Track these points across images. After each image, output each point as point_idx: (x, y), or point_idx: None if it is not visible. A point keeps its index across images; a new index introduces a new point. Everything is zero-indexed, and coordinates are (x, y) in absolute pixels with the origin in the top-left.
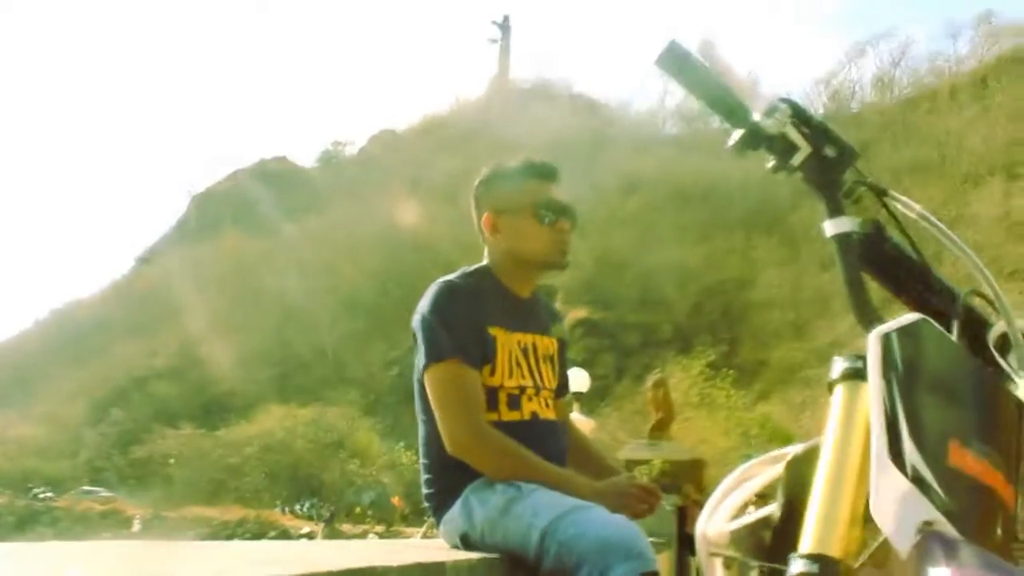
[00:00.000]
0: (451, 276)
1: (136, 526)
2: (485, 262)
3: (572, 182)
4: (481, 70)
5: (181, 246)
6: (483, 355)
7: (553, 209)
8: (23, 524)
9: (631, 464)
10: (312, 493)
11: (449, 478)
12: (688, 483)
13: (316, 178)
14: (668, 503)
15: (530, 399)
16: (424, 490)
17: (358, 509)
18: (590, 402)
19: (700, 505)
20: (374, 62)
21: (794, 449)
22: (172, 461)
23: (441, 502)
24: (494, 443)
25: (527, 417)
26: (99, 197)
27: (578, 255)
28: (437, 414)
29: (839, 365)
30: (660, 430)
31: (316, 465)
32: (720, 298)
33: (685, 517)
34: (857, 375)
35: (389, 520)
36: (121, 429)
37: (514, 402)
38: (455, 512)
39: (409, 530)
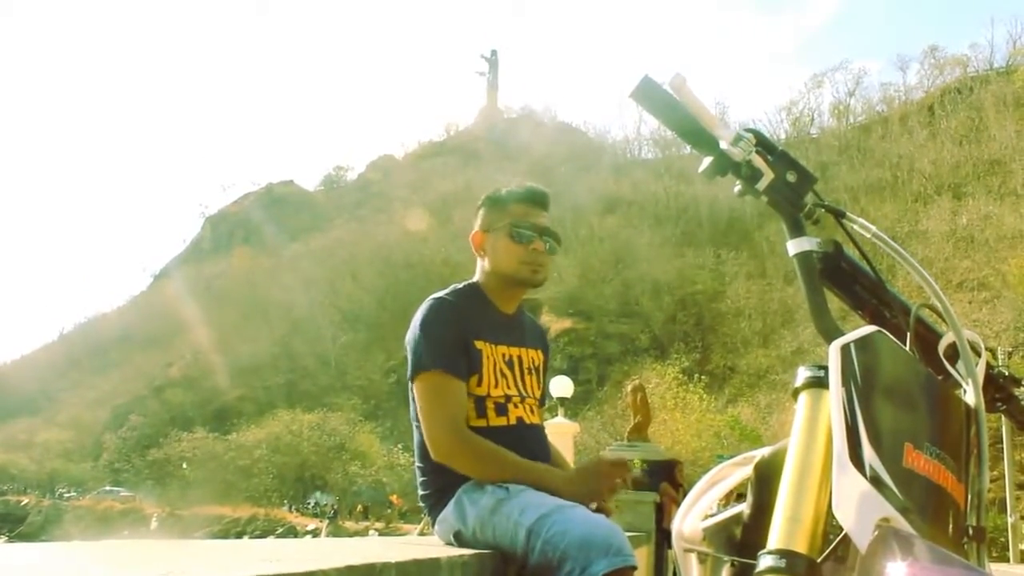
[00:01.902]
0: (441, 292)
1: (154, 523)
2: (475, 279)
3: (556, 203)
4: (472, 100)
5: (195, 264)
6: (468, 366)
7: (528, 229)
8: (49, 522)
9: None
10: (318, 491)
11: (442, 480)
12: (665, 481)
13: (320, 200)
14: (646, 499)
15: (516, 406)
16: (420, 491)
17: (359, 507)
18: (574, 406)
19: (676, 502)
20: (374, 93)
21: (762, 452)
22: (187, 463)
23: (435, 502)
24: (472, 447)
25: (513, 422)
26: (120, 219)
27: (562, 271)
28: (422, 421)
29: (803, 374)
30: (638, 432)
31: (320, 466)
32: (693, 309)
33: (662, 513)
34: (819, 383)
35: (388, 517)
36: (140, 434)
37: (501, 409)
38: (448, 512)
39: (407, 526)
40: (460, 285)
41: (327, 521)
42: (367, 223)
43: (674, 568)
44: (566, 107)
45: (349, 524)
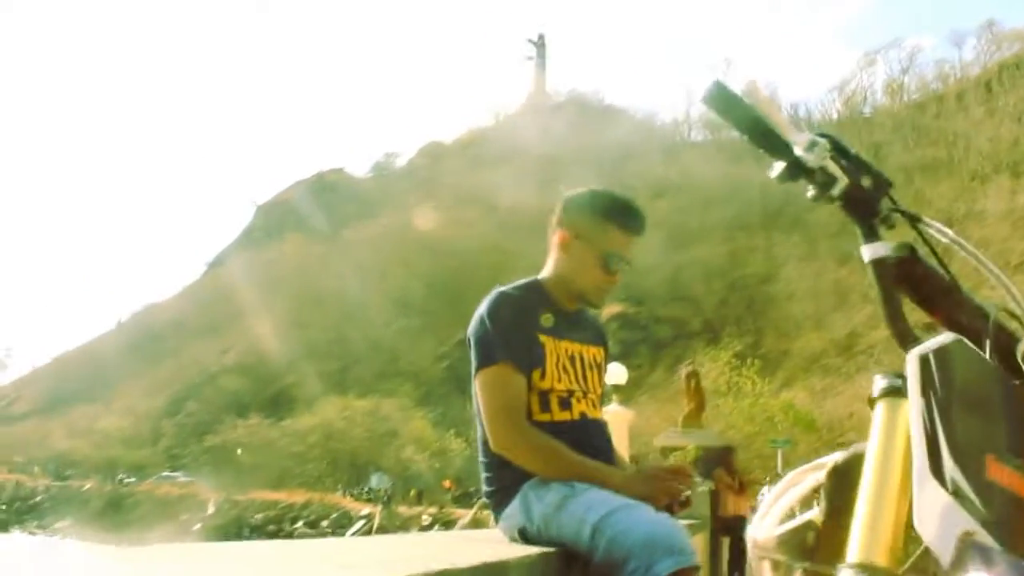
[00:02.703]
0: (506, 287)
1: (211, 508)
2: (541, 274)
3: (603, 187)
4: (519, 85)
5: (248, 252)
6: (532, 361)
7: (620, 260)
8: (110, 507)
9: (666, 451)
10: (372, 476)
11: (507, 476)
12: (720, 468)
13: (369, 187)
14: (702, 487)
15: (579, 401)
16: (484, 487)
17: (413, 492)
18: (626, 391)
19: (731, 488)
20: (422, 79)
21: (834, 457)
22: (242, 449)
23: (500, 498)
24: (532, 441)
25: (577, 417)
26: (174, 209)
27: None
28: (483, 415)
29: (880, 383)
30: (693, 419)
31: (374, 452)
32: (744, 293)
33: (717, 500)
34: (897, 392)
35: (442, 502)
36: (196, 420)
37: (565, 403)
38: (514, 508)
39: (460, 511)
40: (524, 281)
41: (381, 506)
42: (416, 209)
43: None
44: (614, 90)
45: (403, 509)
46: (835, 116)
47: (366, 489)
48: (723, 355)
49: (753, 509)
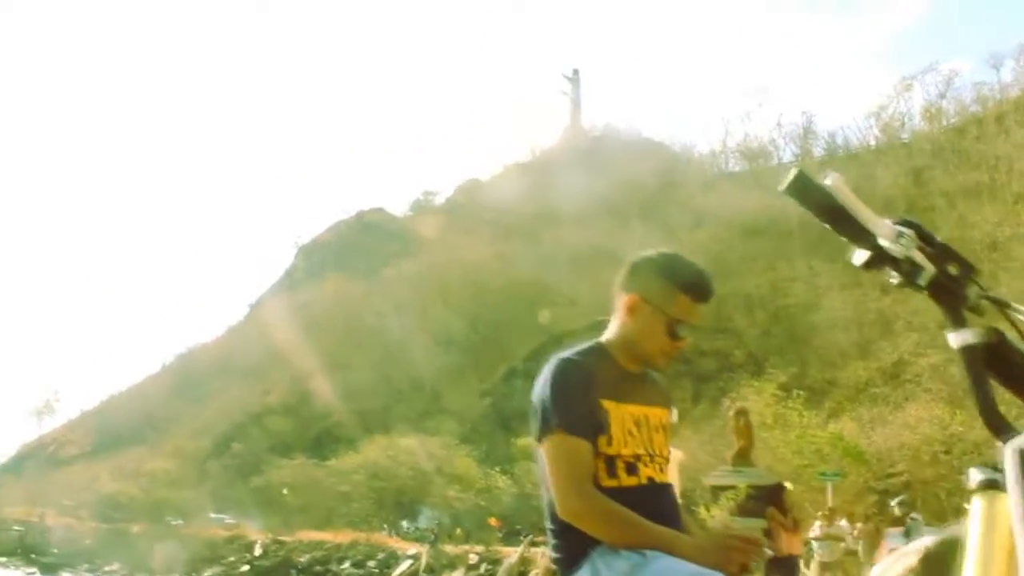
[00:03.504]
0: (567, 353)
1: (258, 549)
2: (602, 338)
3: (643, 220)
4: (555, 120)
5: (289, 293)
6: (597, 427)
7: (687, 328)
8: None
9: (717, 490)
10: (418, 515)
11: (575, 543)
12: (772, 506)
13: (409, 225)
14: (754, 525)
15: (646, 465)
16: (552, 554)
17: (459, 531)
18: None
19: (784, 527)
20: (457, 118)
21: (924, 542)
22: (287, 490)
23: (569, 565)
24: (601, 508)
25: (644, 482)
26: (215, 251)
27: None
28: (550, 482)
29: (976, 476)
30: (743, 457)
31: (418, 491)
32: (787, 323)
33: (771, 539)
34: (995, 486)
35: (487, 540)
36: (241, 461)
37: (632, 469)
38: (584, 575)
39: (507, 549)
40: (586, 345)
41: (428, 545)
42: (456, 246)
43: None
44: (650, 123)
45: (449, 548)
46: (873, 142)
47: (412, 528)
48: (768, 387)
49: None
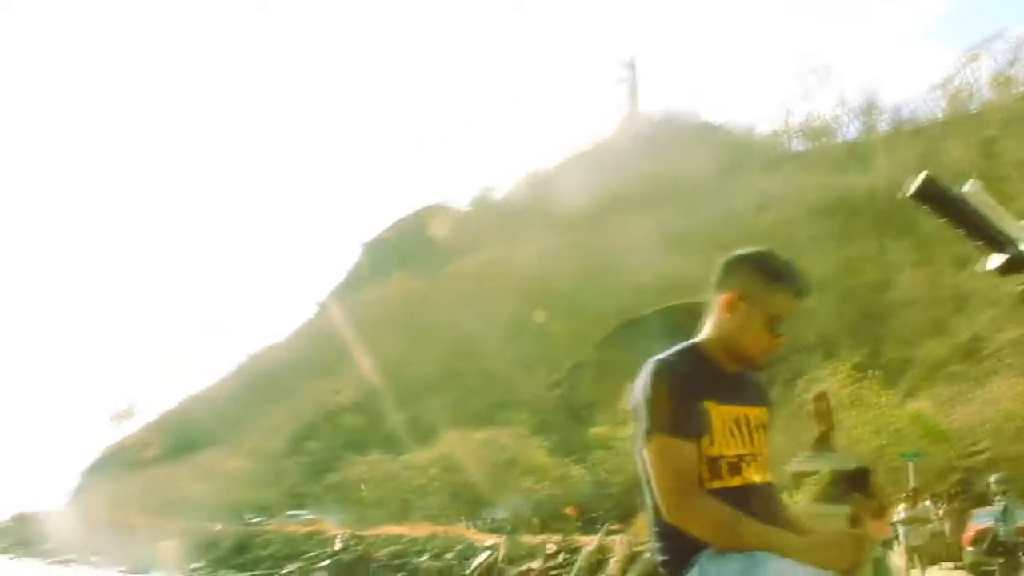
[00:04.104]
0: (664, 354)
1: (338, 544)
2: (697, 338)
3: (706, 205)
4: (613, 108)
5: (356, 290)
6: (698, 428)
7: (785, 326)
8: (241, 547)
9: (799, 477)
10: (494, 507)
11: (681, 546)
12: (857, 492)
13: (471, 220)
14: (839, 511)
15: (748, 465)
16: (658, 556)
17: (535, 521)
18: None
19: (871, 513)
20: (516, 109)
21: None
22: (364, 485)
23: (675, 569)
24: (707, 511)
25: (748, 482)
26: (284, 250)
27: None
28: (654, 485)
29: None
30: (824, 441)
31: (493, 483)
32: (859, 302)
33: (856, 524)
34: None
35: (565, 530)
36: (316, 458)
37: (735, 469)
38: None
39: (584, 538)
40: (682, 346)
41: (505, 536)
42: (518, 239)
43: None
44: (709, 107)
45: (527, 538)
46: (940, 115)
47: (488, 519)
48: (841, 368)
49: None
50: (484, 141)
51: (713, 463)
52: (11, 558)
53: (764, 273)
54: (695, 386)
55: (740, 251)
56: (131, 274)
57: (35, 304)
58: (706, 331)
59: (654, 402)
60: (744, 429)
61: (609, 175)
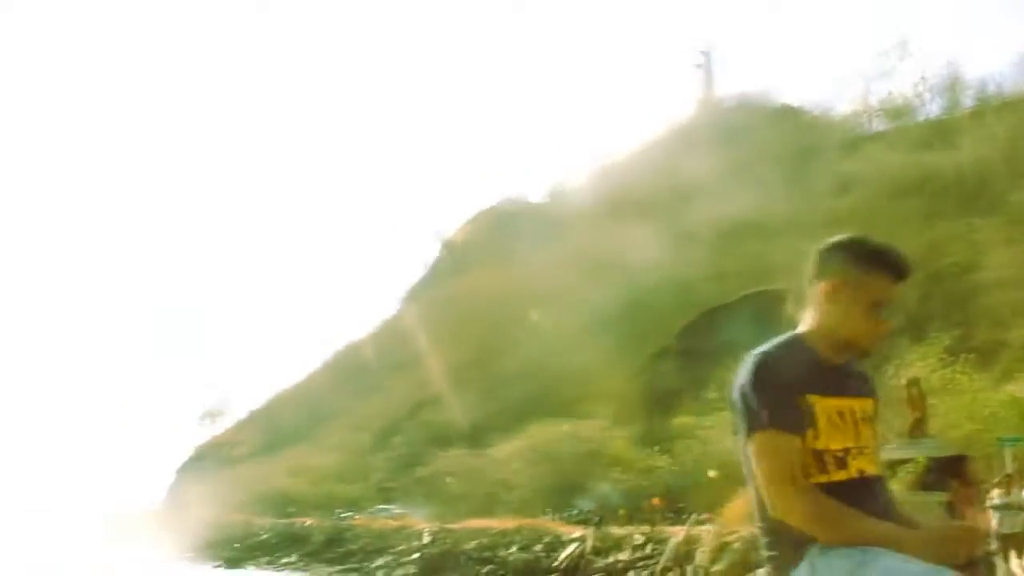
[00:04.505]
0: (766, 348)
1: (426, 537)
2: (799, 329)
3: (786, 189)
4: (688, 94)
5: (437, 285)
6: (803, 422)
7: (887, 309)
8: (331, 541)
9: (894, 464)
10: (579, 499)
11: (788, 542)
12: (954, 479)
13: (549, 211)
14: (936, 499)
15: (855, 458)
16: (765, 552)
17: (621, 512)
18: None
19: (968, 500)
20: (590, 97)
21: None
22: (450, 479)
23: (783, 565)
24: (814, 506)
25: (855, 475)
26: (366, 250)
27: (802, 258)
28: (759, 480)
29: None
30: (919, 428)
31: (578, 474)
32: (947, 284)
33: (953, 512)
34: None
35: (651, 520)
36: (403, 453)
37: (841, 462)
38: (801, 574)
39: (672, 529)
40: (783, 339)
41: (592, 528)
42: (596, 228)
43: None
44: (785, 88)
45: (613, 529)
46: None
47: (574, 511)
48: (932, 351)
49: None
50: (559, 132)
51: (818, 457)
52: (112, 553)
53: (863, 259)
54: (798, 379)
55: (836, 238)
56: (221, 274)
57: (132, 306)
58: (806, 322)
59: (757, 397)
60: (849, 421)
61: (686, 161)
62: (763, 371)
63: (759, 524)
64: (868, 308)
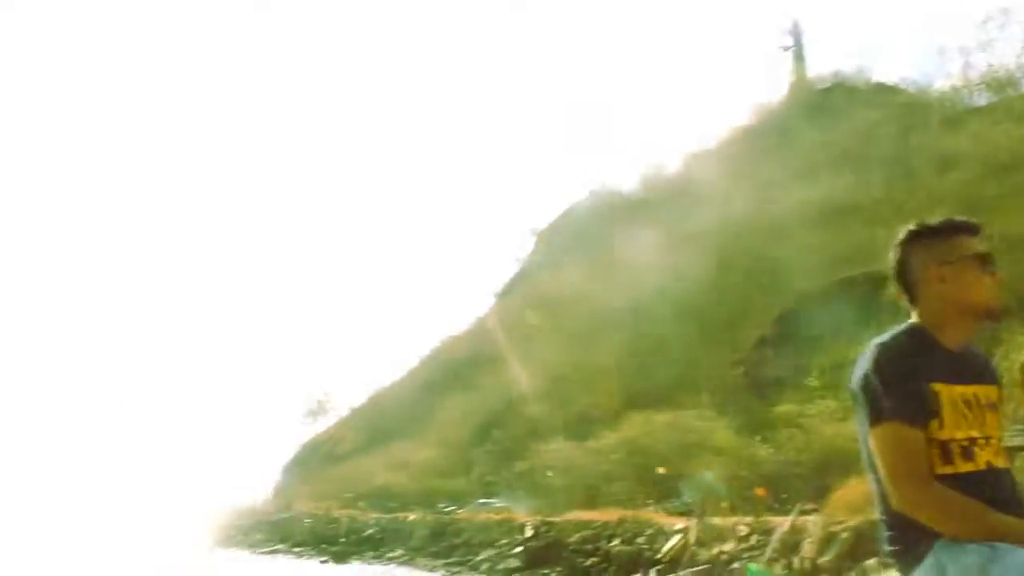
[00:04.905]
0: (885, 337)
1: (528, 531)
2: (913, 320)
3: (886, 169)
4: (777, 77)
5: (531, 279)
6: (928, 412)
7: (991, 260)
8: (435, 536)
9: (1012, 451)
10: (681, 490)
11: (913, 536)
12: None
13: (639, 201)
14: None
15: (981, 448)
16: (887, 546)
17: (724, 503)
18: None
19: None
20: (676, 86)
21: None
22: (550, 472)
23: (907, 560)
24: (940, 499)
25: (982, 467)
26: (460, 247)
27: None
28: (882, 473)
29: None
30: None
31: (678, 465)
32: None
33: None
34: None
35: (755, 511)
36: (502, 447)
37: (967, 453)
38: (926, 571)
39: (776, 519)
40: (901, 328)
41: (696, 519)
42: (690, 216)
43: None
44: (881, 66)
45: (716, 520)
46: None
47: (676, 502)
48: None
49: None
50: (649, 120)
51: (943, 447)
52: (222, 549)
53: (939, 233)
54: (922, 368)
55: (901, 235)
56: (321, 273)
57: (236, 307)
58: (919, 313)
59: (881, 387)
60: (975, 410)
61: (779, 145)
62: (886, 360)
63: (881, 517)
64: (973, 270)
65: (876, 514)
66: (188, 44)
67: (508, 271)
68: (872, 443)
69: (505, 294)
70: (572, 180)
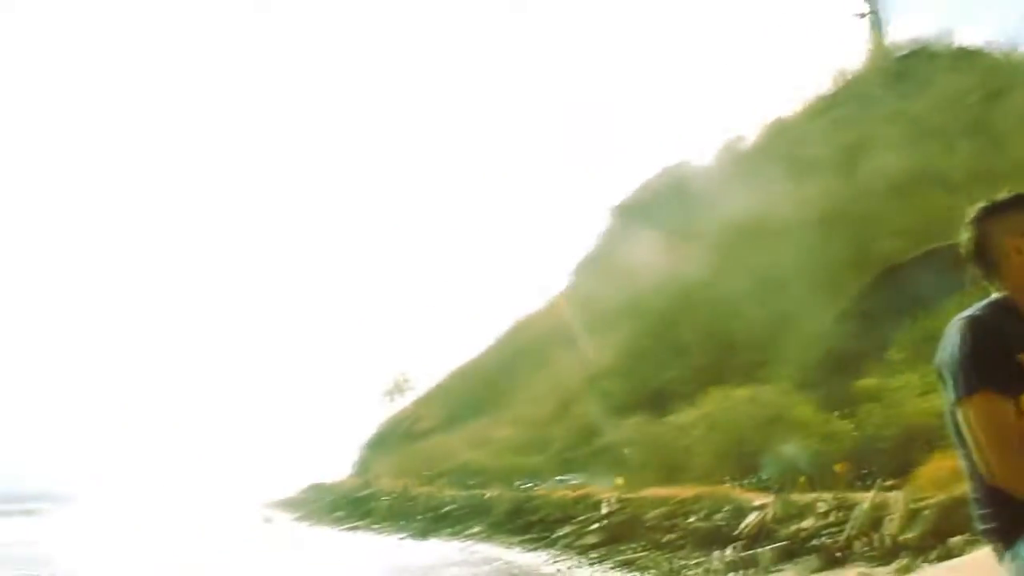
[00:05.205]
0: (972, 311)
1: (604, 508)
2: (996, 294)
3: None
4: (854, 44)
5: (607, 255)
6: (1017, 384)
7: None
8: (514, 512)
9: None
10: (761, 465)
11: (1011, 511)
12: None
13: (717, 173)
14: None
15: None
16: (982, 525)
17: (802, 479)
18: None
19: None
20: (751, 56)
21: None
22: (629, 448)
23: (1005, 536)
24: None
25: None
26: (536, 223)
27: None
28: (973, 448)
29: None
30: None
31: (758, 441)
32: None
33: None
34: None
35: (835, 487)
36: (581, 424)
37: None
38: None
39: (856, 495)
40: (987, 301)
41: (775, 496)
42: (768, 190)
43: None
44: (963, 29)
45: (795, 496)
46: None
47: (755, 479)
48: None
49: None
50: (725, 92)
51: None
52: (308, 525)
53: (1011, 207)
54: (1010, 340)
55: (972, 213)
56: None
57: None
58: (1003, 286)
59: (969, 360)
60: None
61: (859, 115)
62: (974, 334)
63: (974, 494)
64: None
65: (967, 491)
66: (196, 45)
67: (585, 248)
68: (962, 416)
69: (581, 271)
70: (649, 154)
